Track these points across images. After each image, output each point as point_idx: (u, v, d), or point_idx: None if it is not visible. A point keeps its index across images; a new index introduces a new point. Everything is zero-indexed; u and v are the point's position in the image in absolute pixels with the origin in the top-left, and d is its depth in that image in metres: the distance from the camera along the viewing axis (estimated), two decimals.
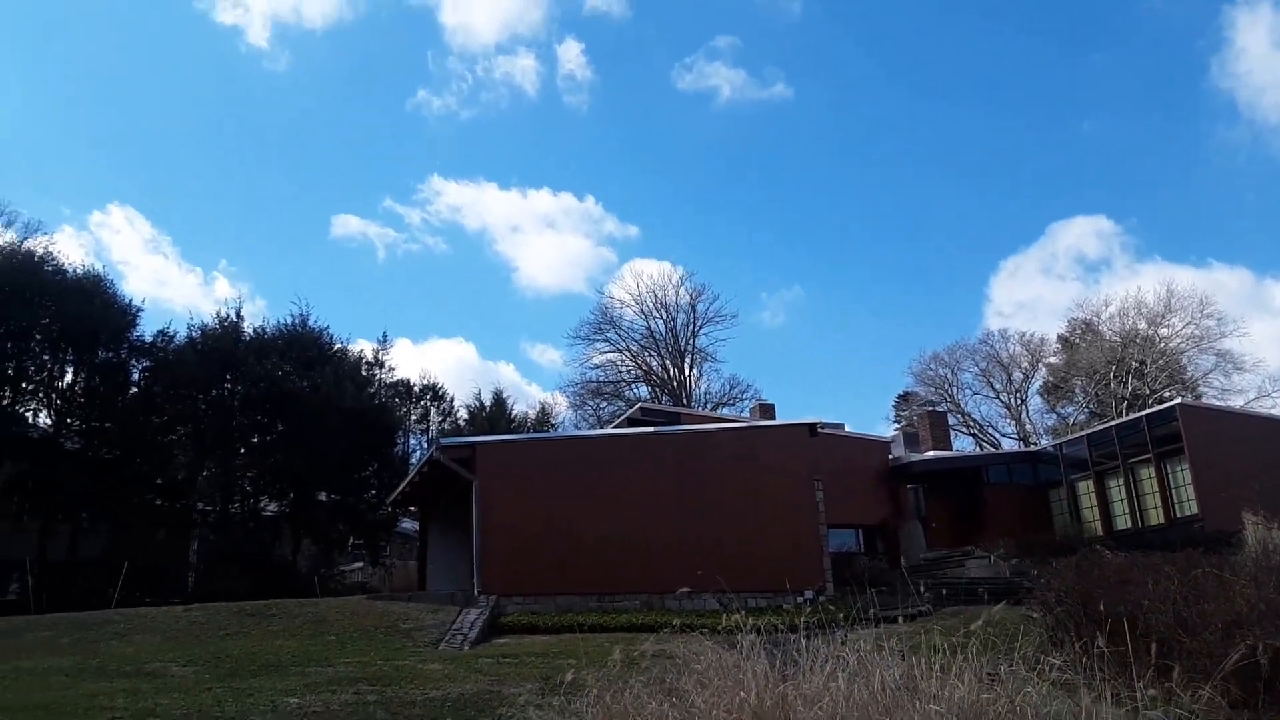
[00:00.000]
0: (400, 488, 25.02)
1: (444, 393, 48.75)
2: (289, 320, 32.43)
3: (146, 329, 29.99)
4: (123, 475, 26.63)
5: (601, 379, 53.79)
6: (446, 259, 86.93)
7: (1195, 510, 23.94)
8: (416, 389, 47.67)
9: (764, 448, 24.15)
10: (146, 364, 29.13)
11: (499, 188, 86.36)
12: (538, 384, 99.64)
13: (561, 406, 52.77)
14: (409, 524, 33.94)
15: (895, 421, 52.87)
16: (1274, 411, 39.41)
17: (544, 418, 49.67)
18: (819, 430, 25.55)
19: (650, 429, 25.55)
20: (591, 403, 53.06)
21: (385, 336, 51.27)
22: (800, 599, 18.48)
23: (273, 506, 31.24)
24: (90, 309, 26.80)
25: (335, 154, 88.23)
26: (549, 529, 20.24)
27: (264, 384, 29.78)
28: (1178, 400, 28.78)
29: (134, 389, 29.05)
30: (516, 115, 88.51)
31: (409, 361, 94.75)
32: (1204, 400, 40.43)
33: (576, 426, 49.20)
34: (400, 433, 40.35)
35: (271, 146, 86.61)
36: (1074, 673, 6.20)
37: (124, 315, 28.35)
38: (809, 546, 22.34)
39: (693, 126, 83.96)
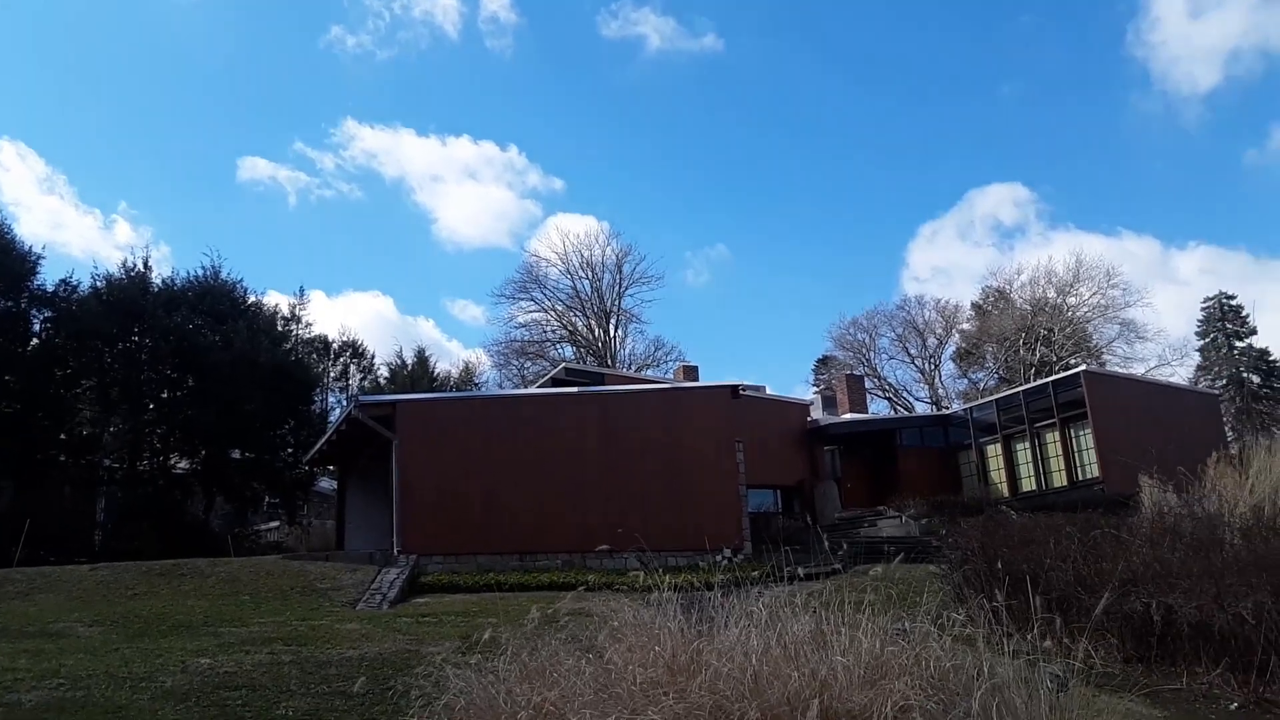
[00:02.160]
0: (318, 446, 24.59)
1: (364, 350, 47.88)
2: (200, 272, 31.32)
3: (48, 277, 28.67)
4: (24, 430, 25.53)
5: (526, 338, 53.50)
6: (362, 207, 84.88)
7: (1096, 474, 25.07)
8: (335, 345, 46.73)
9: (687, 409, 24.38)
10: (48, 314, 27.77)
11: (416, 134, 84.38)
12: (459, 340, 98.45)
13: (485, 365, 52.41)
14: (327, 483, 33.45)
15: (815, 385, 53.93)
16: (1173, 379, 41.41)
17: (467, 377, 49.24)
18: (741, 392, 25.90)
19: (575, 389, 25.54)
20: (516, 362, 52.80)
21: (302, 291, 50.10)
22: (718, 558, 18.75)
23: (184, 464, 30.36)
24: None
25: (242, 92, 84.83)
26: (470, 488, 20.17)
27: (174, 338, 28.76)
28: (1083, 367, 29.96)
29: (35, 340, 27.75)
30: (436, 58, 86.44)
31: (327, 316, 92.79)
32: (1108, 368, 42.18)
33: (500, 386, 48.95)
34: (318, 390, 39.56)
35: (174, 82, 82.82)
36: (976, 627, 6.47)
37: (23, 262, 26.94)
38: (729, 507, 22.72)
39: (619, 76, 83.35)
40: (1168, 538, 10.41)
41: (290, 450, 31.70)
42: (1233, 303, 51.44)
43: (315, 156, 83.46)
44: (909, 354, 53.86)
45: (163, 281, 30.57)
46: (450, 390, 41.92)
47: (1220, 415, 29.29)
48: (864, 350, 54.44)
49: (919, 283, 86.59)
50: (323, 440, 24.10)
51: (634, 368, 49.88)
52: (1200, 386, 41.65)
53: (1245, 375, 47.63)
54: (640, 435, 22.68)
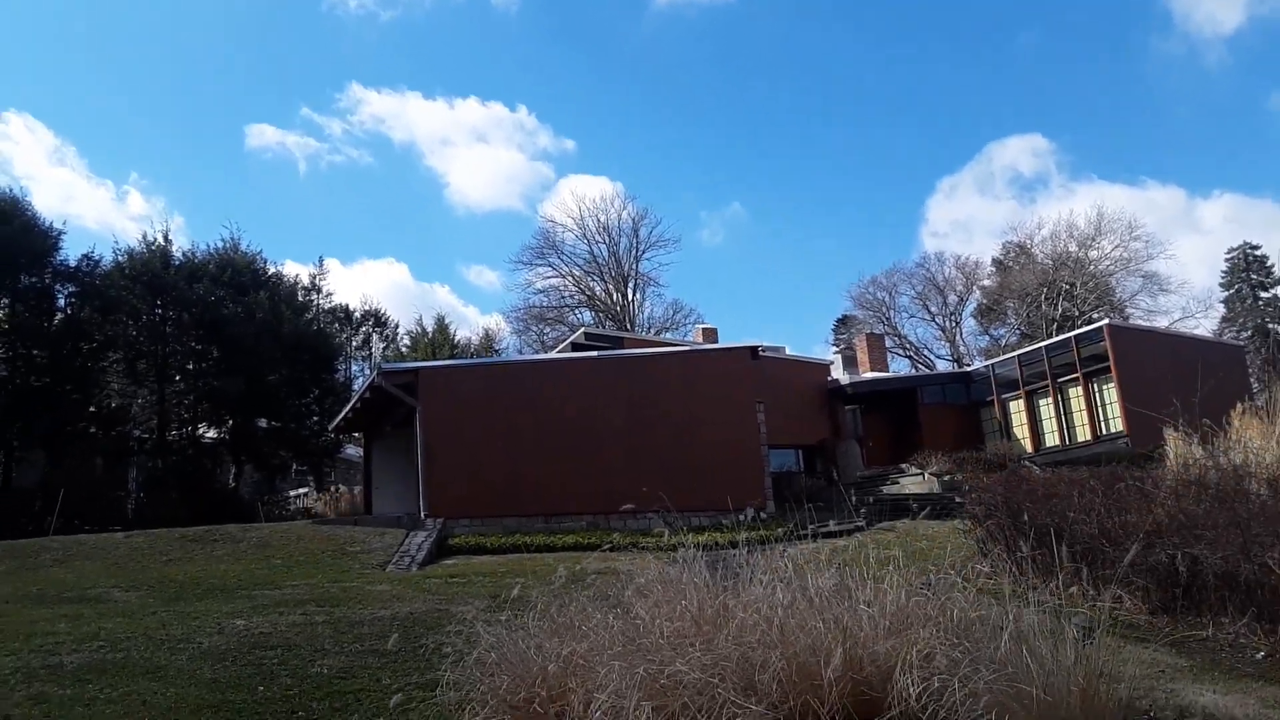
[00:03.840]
0: (343, 413, 24.87)
1: (386, 318, 48.26)
2: (220, 244, 31.66)
3: (69, 252, 28.97)
4: (53, 403, 25.94)
5: (544, 304, 53.65)
6: (373, 173, 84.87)
7: (1121, 428, 24.94)
8: (357, 315, 47.11)
9: (707, 371, 24.42)
10: (72, 289, 28.10)
11: (423, 96, 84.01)
12: (476, 306, 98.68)
13: (505, 332, 52.67)
14: (353, 450, 33.85)
15: (834, 344, 53.81)
16: (1197, 331, 40.98)
17: (487, 343, 49.52)
18: (760, 353, 25.90)
19: (595, 353, 25.65)
20: (535, 328, 53.00)
21: (321, 261, 50.43)
22: (741, 517, 18.86)
23: (212, 433, 30.85)
24: (9, 231, 25.66)
25: (245, 57, 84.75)
26: (494, 452, 20.36)
27: (197, 309, 29.06)
28: (1105, 321, 29.68)
29: (60, 315, 28.09)
30: (440, 17, 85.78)
31: (344, 285, 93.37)
32: (1131, 321, 41.77)
33: (520, 351, 49.20)
34: (341, 359, 39.96)
35: (178, 49, 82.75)
36: (1000, 579, 6.51)
37: (45, 238, 27.21)
38: (751, 466, 22.82)
39: (629, 32, 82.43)
40: (1193, 489, 10.35)
41: (316, 418, 32.08)
42: (1257, 253, 50.72)
43: (323, 122, 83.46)
44: (929, 312, 53.57)
45: (183, 254, 30.87)
46: (471, 356, 42.19)
47: (1246, 366, 28.96)
48: (884, 309, 54.19)
49: (938, 238, 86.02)
50: (347, 408, 24.37)
51: (653, 331, 49.93)
52: (1225, 338, 41.18)
53: (1271, 325, 47.03)
54: (661, 397, 22.77)
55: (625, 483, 20.74)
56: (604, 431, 21.61)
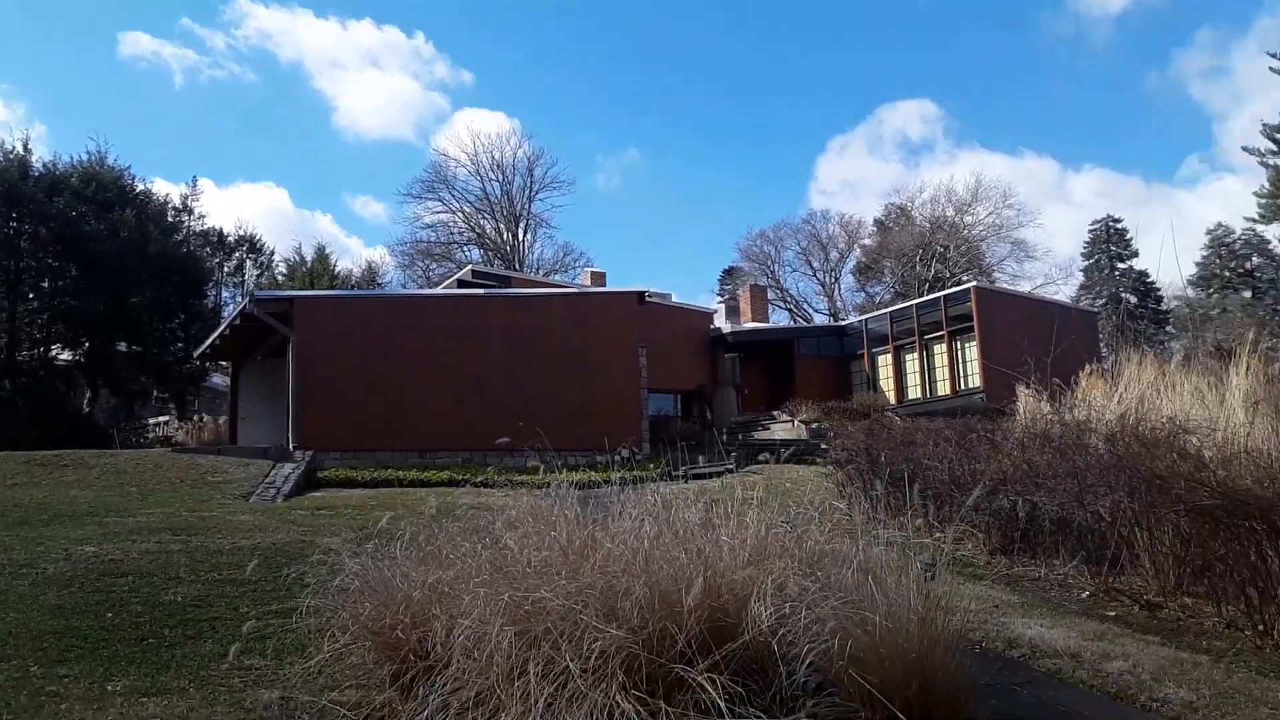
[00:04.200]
0: (210, 340, 23.85)
1: (261, 244, 46.24)
2: (85, 157, 29.67)
3: None
4: None
5: (432, 239, 52.45)
6: (255, 92, 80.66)
7: (979, 384, 26.33)
8: (231, 239, 44.95)
9: (594, 314, 24.48)
10: None
11: (314, 15, 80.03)
12: (360, 238, 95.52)
13: (389, 265, 51.31)
14: (220, 379, 32.61)
15: (720, 294, 54.66)
16: (1057, 297, 43.37)
17: (370, 276, 48.19)
18: (647, 299, 26.10)
19: (481, 291, 25.32)
20: (421, 263, 51.83)
21: (194, 180, 47.76)
22: (617, 457, 19.15)
23: (66, 355, 29.12)
24: None
25: None
26: (371, 387, 19.96)
27: (55, 224, 27.21)
28: (973, 283, 31.08)
29: None
30: None
31: (220, 207, 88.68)
32: (997, 285, 43.86)
33: (405, 286, 48.05)
34: (212, 284, 38.20)
35: None
36: (855, 518, 6.85)
37: None
38: (630, 409, 23.11)
39: None
40: (1038, 442, 11.05)
41: (181, 344, 30.70)
42: (1119, 226, 53.84)
43: (205, 34, 78.55)
44: (812, 267, 54.98)
45: (44, 165, 28.84)
46: (353, 289, 40.98)
47: (1097, 332, 30.90)
48: (769, 262, 55.31)
49: (826, 196, 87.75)
50: (215, 334, 23.38)
51: (542, 272, 49.55)
52: (1081, 304, 43.72)
53: (1124, 295, 50.23)
54: (545, 338, 22.73)
55: (504, 421, 20.64)
56: (485, 370, 21.46)
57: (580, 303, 25.45)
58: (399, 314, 22.07)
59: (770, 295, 48.47)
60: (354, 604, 5.24)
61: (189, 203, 36.84)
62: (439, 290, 30.01)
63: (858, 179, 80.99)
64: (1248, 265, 50.03)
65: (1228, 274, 49.77)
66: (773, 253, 55.15)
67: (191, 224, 37.25)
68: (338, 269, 44.37)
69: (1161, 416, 10.31)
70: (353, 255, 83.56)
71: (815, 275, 55.20)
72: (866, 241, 54.75)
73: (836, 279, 55.01)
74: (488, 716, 4.38)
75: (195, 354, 27.20)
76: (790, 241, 54.91)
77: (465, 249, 52.84)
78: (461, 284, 29.02)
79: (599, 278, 36.94)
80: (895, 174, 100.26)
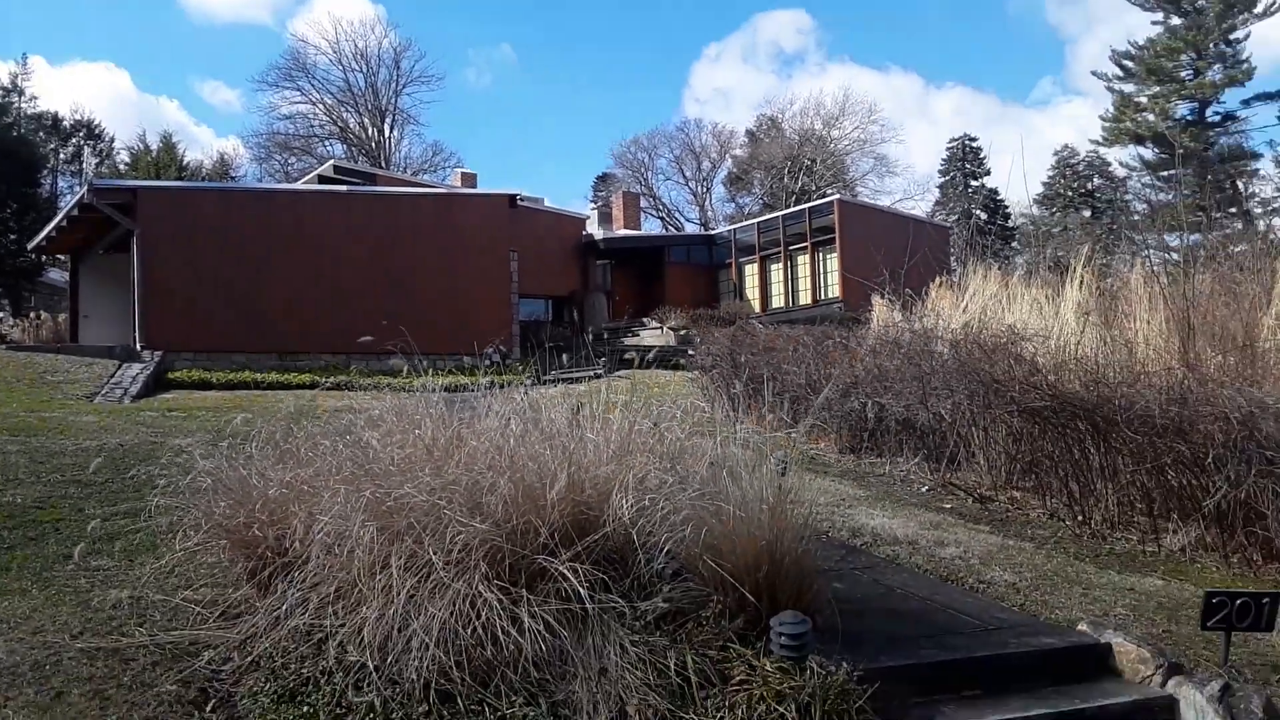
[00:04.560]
0: (45, 231, 22.12)
1: (100, 130, 42.78)
2: None
3: None
4: None
5: (290, 132, 49.64)
6: None
7: (838, 294, 27.31)
8: (67, 124, 41.40)
9: (463, 215, 23.91)
10: None
11: None
12: (210, 127, 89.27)
13: (243, 158, 48.41)
14: (58, 274, 30.40)
15: (593, 200, 54.18)
16: (914, 211, 45.03)
17: (223, 168, 45.50)
18: (519, 202, 25.65)
19: (344, 188, 24.27)
20: (279, 157, 49.12)
21: (25, 58, 43.42)
22: (487, 361, 19.03)
23: None
24: None
25: None
26: (224, 284, 19.04)
27: None
28: (836, 196, 31.91)
29: None
30: None
31: (52, 89, 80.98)
32: (860, 199, 45.12)
33: (260, 180, 45.47)
34: (47, 171, 35.26)
35: None
36: (717, 418, 7.10)
37: None
38: (500, 313, 22.91)
39: None
40: (888, 348, 11.63)
41: (14, 236, 28.35)
42: (974, 144, 55.99)
43: None
44: (684, 176, 55.12)
45: None
46: (203, 181, 38.58)
47: (949, 246, 32.33)
48: (642, 169, 55.08)
49: (700, 104, 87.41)
50: (51, 226, 21.69)
51: (410, 171, 47.78)
52: (936, 219, 45.59)
53: (975, 211, 52.58)
54: (413, 239, 22.12)
55: (369, 324, 20.05)
56: (349, 270, 20.76)
57: (450, 204, 24.78)
58: (256, 209, 20.97)
59: (643, 203, 48.46)
60: (208, 503, 5.12)
61: (19, 82, 33.61)
62: (299, 186, 28.56)
63: (731, 88, 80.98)
64: (1089, 186, 53.14)
65: (1070, 194, 52.77)
66: (646, 160, 54.98)
67: (22, 105, 34.02)
68: (186, 160, 41.65)
69: (1002, 326, 10.99)
70: (203, 146, 78.40)
71: (687, 184, 55.47)
72: (738, 152, 55.19)
73: (708, 189, 55.46)
74: (349, 610, 4.41)
75: (29, 246, 25.17)
76: (664, 149, 54.83)
77: (327, 144, 50.35)
78: (323, 180, 27.72)
79: (469, 179, 35.96)
80: (768, 84, 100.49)
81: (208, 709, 4.27)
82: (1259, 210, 43.55)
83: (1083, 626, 5.39)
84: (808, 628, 4.19)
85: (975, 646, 4.97)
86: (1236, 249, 12.86)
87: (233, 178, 44.12)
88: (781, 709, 3.84)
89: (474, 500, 4.67)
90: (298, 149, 49.43)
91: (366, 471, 4.91)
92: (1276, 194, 45.77)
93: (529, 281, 25.39)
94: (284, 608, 4.51)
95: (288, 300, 19.69)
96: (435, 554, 4.26)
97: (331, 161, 35.25)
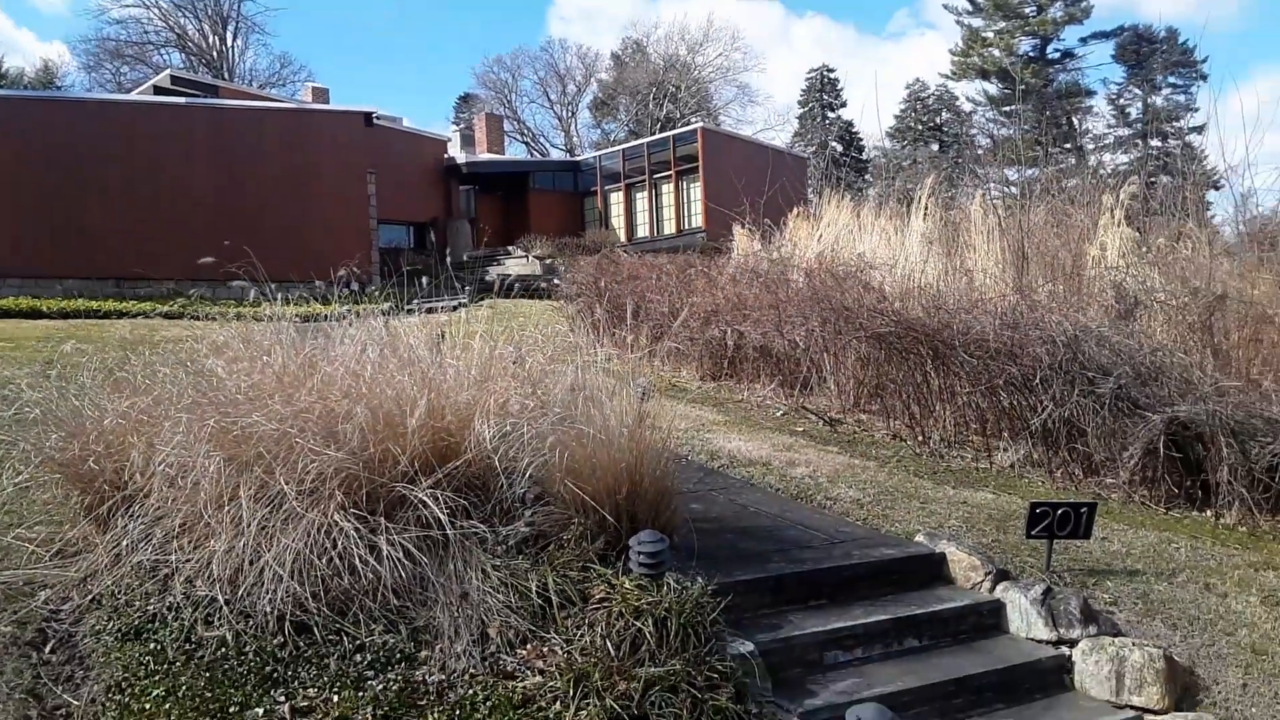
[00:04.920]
0: None
1: None
2: None
3: None
4: None
5: (123, 38, 45.57)
6: None
7: (701, 223, 27.59)
8: None
9: (315, 133, 22.75)
10: None
11: None
12: (32, 31, 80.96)
13: (70, 66, 44.34)
14: None
15: (455, 123, 52.44)
16: (774, 142, 45.74)
17: (47, 77, 41.75)
18: (375, 121, 24.57)
19: (183, 100, 22.61)
20: (110, 65, 45.18)
21: None
22: (345, 290, 18.38)
23: None
24: None
25: None
26: (52, 204, 17.60)
27: None
28: (699, 124, 31.99)
29: None
30: None
31: None
32: (723, 127, 45.43)
33: (90, 90, 41.79)
34: None
35: None
36: (580, 341, 7.10)
37: None
38: (359, 239, 22.07)
39: None
40: (747, 277, 11.91)
41: None
42: (832, 75, 57.00)
43: None
44: (549, 99, 53.98)
45: None
46: (25, 89, 35.25)
47: (806, 177, 33.09)
48: (506, 91, 53.58)
49: (565, 23, 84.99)
50: None
51: (256, 85, 44.90)
52: (795, 150, 46.47)
53: (832, 143, 53.87)
54: (261, 158, 20.93)
55: (215, 247, 19.06)
56: (192, 190, 19.53)
57: (301, 120, 23.51)
58: (86, 121, 19.30)
59: (507, 127, 47.26)
60: (37, 435, 4.80)
61: None
62: (134, 96, 26.44)
63: (596, 8, 79.09)
64: (938, 120, 55.19)
65: (920, 127, 54.70)
66: (510, 81, 53.46)
67: None
68: (5, 67, 37.87)
69: (853, 255, 11.41)
70: (23, 52, 71.12)
71: (552, 108, 54.38)
72: (603, 76, 54.41)
73: (573, 113, 54.56)
74: (196, 544, 4.27)
75: None
76: (528, 71, 53.41)
77: (163, 52, 46.62)
78: (159, 91, 25.74)
79: (321, 94, 34.08)
80: (633, 6, 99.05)
81: (46, 650, 4.08)
82: (1091, 146, 46.46)
83: (920, 538, 5.78)
84: (665, 546, 4.33)
85: (822, 559, 5.25)
86: (1069, 183, 13.69)
87: (58, 87, 40.54)
88: (639, 624, 3.97)
89: (329, 429, 4.55)
90: (130, 57, 45.60)
91: (211, 400, 4.70)
92: (1108, 130, 48.90)
93: (389, 206, 24.50)
94: (125, 543, 4.32)
95: (124, 223, 18.39)
96: (287, 484, 4.16)
97: (168, 71, 32.75)
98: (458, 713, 3.77)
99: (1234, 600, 5.48)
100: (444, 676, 3.95)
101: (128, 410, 4.73)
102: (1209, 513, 7.23)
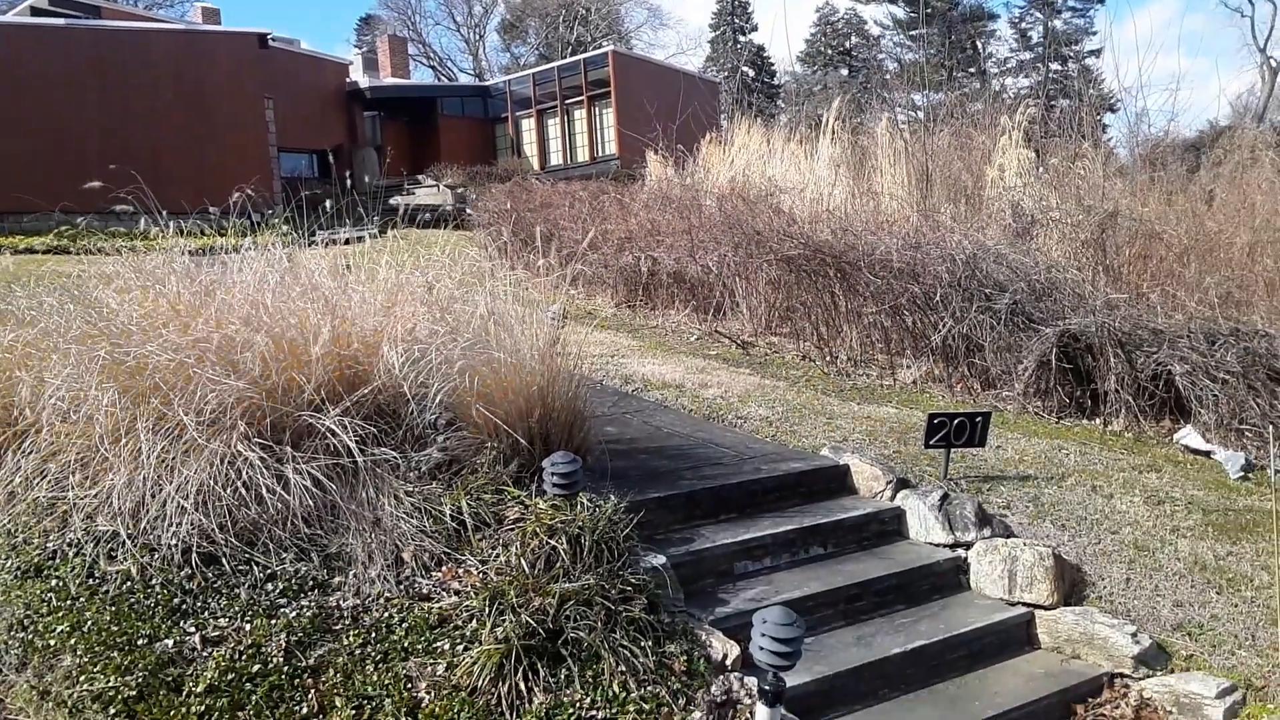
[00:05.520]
0: None
1: None
2: None
3: None
4: None
5: None
6: None
7: (614, 150, 27.27)
8: None
9: (208, 56, 21.55)
10: None
11: None
12: None
13: None
14: None
15: (358, 46, 50.33)
16: (686, 66, 45.22)
17: None
18: (270, 43, 23.41)
19: (62, 20, 21.13)
20: None
21: None
22: (245, 220, 17.71)
23: None
24: None
25: None
26: None
27: None
28: (611, 48, 31.39)
29: None
30: None
31: None
32: (634, 51, 44.67)
33: None
34: None
35: None
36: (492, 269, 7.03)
37: None
38: (258, 167, 21.10)
39: None
40: (660, 203, 11.90)
41: None
42: None
43: None
44: (455, 21, 52.16)
45: None
46: None
47: (719, 102, 32.92)
48: (409, 12, 51.48)
49: None
50: None
51: (141, 5, 42.18)
52: (708, 75, 46.11)
53: (742, 68, 53.57)
54: (151, 83, 19.80)
55: (104, 178, 18.11)
56: (74, 116, 18.41)
57: (190, 42, 22.19)
58: None
59: (412, 50, 45.58)
60: None
61: None
62: (9, 18, 24.60)
63: None
64: (848, 45, 55.31)
65: (830, 52, 54.76)
66: (414, 1, 51.39)
67: None
68: None
69: (764, 180, 11.49)
70: None
71: (459, 31, 52.58)
72: None
73: (481, 36, 52.88)
74: (94, 479, 4.15)
75: None
76: None
77: None
78: (35, 12, 23.98)
79: (212, 15, 32.18)
80: None
81: None
82: (994, 70, 47.26)
83: (825, 451, 5.98)
84: (578, 466, 4.38)
85: (731, 475, 5.39)
86: (973, 107, 13.96)
87: None
88: (554, 542, 4.03)
89: (228, 358, 4.44)
90: None
91: (102, 331, 4.52)
92: (1010, 54, 49.75)
93: (290, 134, 23.54)
94: (19, 480, 4.17)
95: (3, 152, 17.27)
96: (186, 415, 4.05)
97: None
98: (373, 635, 3.80)
99: (1119, 501, 5.83)
100: (358, 601, 3.96)
101: (13, 343, 4.52)
102: (1098, 420, 7.63)
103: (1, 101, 17.63)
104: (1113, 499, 5.87)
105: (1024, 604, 4.84)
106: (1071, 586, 4.96)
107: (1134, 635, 4.50)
